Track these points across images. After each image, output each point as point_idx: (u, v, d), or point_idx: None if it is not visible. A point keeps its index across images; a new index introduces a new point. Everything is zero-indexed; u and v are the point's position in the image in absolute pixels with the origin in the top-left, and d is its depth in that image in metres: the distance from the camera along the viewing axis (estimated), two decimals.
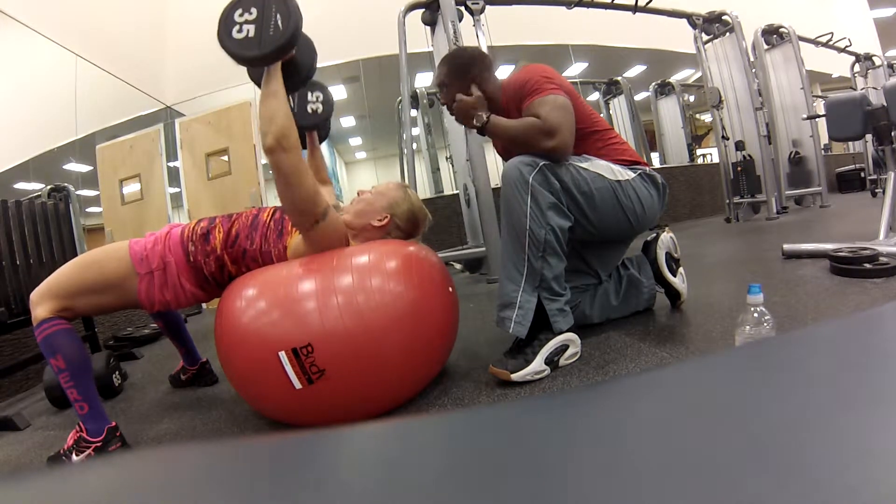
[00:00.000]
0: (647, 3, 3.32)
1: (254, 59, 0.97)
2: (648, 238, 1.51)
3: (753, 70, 3.83)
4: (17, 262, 1.69)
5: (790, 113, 4.32)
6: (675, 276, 1.47)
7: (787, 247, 1.99)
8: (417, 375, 1.12)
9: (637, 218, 1.30)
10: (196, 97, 4.33)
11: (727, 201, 3.96)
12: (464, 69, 1.33)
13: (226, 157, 3.70)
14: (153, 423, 1.30)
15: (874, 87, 5.18)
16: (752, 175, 3.71)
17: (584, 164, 1.24)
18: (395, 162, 4.72)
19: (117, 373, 1.70)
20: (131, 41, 4.12)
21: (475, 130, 1.28)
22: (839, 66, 6.31)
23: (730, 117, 3.81)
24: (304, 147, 1.49)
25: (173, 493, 0.15)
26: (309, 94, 1.50)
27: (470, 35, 2.61)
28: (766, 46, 4.25)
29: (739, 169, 3.77)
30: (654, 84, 5.79)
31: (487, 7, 2.75)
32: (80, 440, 1.08)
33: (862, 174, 5.68)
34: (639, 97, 5.71)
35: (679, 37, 4.25)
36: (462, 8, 2.67)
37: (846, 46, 5.27)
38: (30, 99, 3.26)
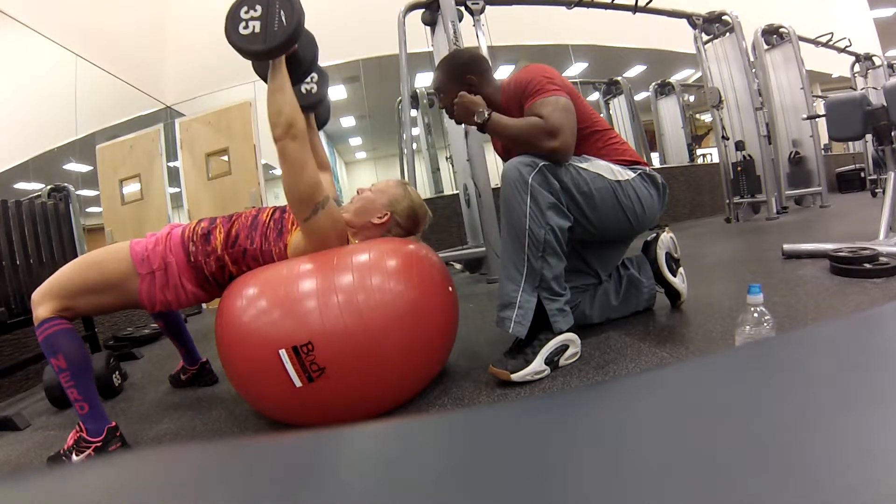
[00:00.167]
0: (647, 3, 3.32)
1: (259, 53, 1.03)
2: (648, 238, 1.51)
3: (753, 70, 3.83)
4: (17, 262, 1.69)
5: (790, 113, 4.32)
6: (675, 276, 1.47)
7: (787, 247, 1.99)
8: (417, 374, 1.12)
9: (637, 218, 1.30)
10: (196, 97, 4.33)
11: (727, 201, 3.96)
12: (460, 71, 1.33)
13: (226, 157, 3.70)
14: (153, 423, 1.30)
15: (874, 87, 5.18)
16: (752, 175, 3.70)
17: (583, 165, 1.24)
18: (395, 162, 4.72)
19: (117, 373, 1.70)
20: (131, 41, 4.11)
21: (476, 128, 1.27)
22: (839, 66, 6.31)
23: (730, 117, 3.81)
24: None
25: (173, 493, 0.15)
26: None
27: (470, 35, 2.61)
28: (766, 46, 4.25)
29: (739, 169, 3.77)
30: (654, 84, 5.79)
31: (487, 7, 2.75)
32: (80, 440, 1.08)
33: (862, 174, 5.68)
34: (639, 97, 5.70)
35: (679, 37, 4.25)
36: (462, 8, 2.67)
37: (846, 46, 5.27)
38: (30, 99, 3.26)
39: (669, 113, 5.77)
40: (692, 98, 5.97)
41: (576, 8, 3.19)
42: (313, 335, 0.93)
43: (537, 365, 1.13)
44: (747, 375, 0.20)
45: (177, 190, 3.90)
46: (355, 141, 6.24)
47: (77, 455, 1.07)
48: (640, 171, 1.32)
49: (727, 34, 3.70)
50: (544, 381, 1.12)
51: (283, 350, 0.92)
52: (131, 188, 3.82)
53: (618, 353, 1.20)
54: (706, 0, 3.84)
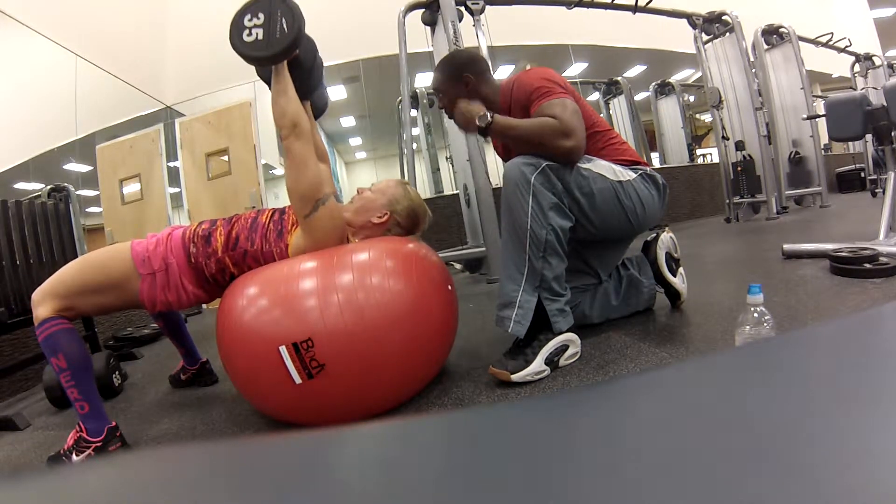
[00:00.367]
0: (647, 3, 3.32)
1: (263, 58, 1.09)
2: (648, 238, 1.51)
3: (753, 70, 3.82)
4: (17, 262, 1.69)
5: (790, 113, 4.32)
6: (675, 276, 1.47)
7: (787, 247, 1.99)
8: (417, 373, 1.12)
9: (638, 218, 1.30)
10: (196, 97, 4.33)
11: (727, 201, 3.96)
12: (459, 70, 1.33)
13: (226, 157, 3.70)
14: (153, 423, 1.30)
15: (874, 87, 5.17)
16: (752, 175, 3.70)
17: (585, 165, 1.24)
18: (395, 162, 4.72)
19: (117, 373, 1.70)
20: (131, 41, 4.11)
21: (479, 133, 1.24)
22: (839, 66, 6.31)
23: (730, 117, 3.81)
24: None
25: (173, 493, 0.15)
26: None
27: (470, 35, 2.61)
28: (766, 46, 4.25)
29: (739, 169, 3.77)
30: (654, 84, 5.79)
31: (487, 7, 2.75)
32: (80, 440, 1.08)
33: (862, 174, 5.68)
34: (639, 97, 5.70)
35: (679, 37, 4.25)
36: (462, 8, 2.67)
37: (846, 46, 5.27)
38: (30, 99, 3.26)
39: (669, 113, 5.77)
40: (692, 98, 5.97)
41: (576, 8, 3.19)
42: (313, 332, 0.93)
43: (537, 365, 1.13)
44: (747, 375, 0.20)
45: (177, 190, 3.90)
46: (355, 141, 6.24)
47: (77, 455, 1.07)
48: (641, 172, 1.32)
49: (727, 34, 3.70)
50: (544, 382, 1.12)
51: (283, 346, 0.93)
52: (131, 188, 3.82)
53: (618, 353, 1.20)
54: (706, 0, 3.84)
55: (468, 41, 2.54)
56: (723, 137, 3.77)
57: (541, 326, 1.19)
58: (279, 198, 4.33)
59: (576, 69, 5.37)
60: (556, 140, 1.16)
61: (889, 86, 1.91)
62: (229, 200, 3.63)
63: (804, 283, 1.56)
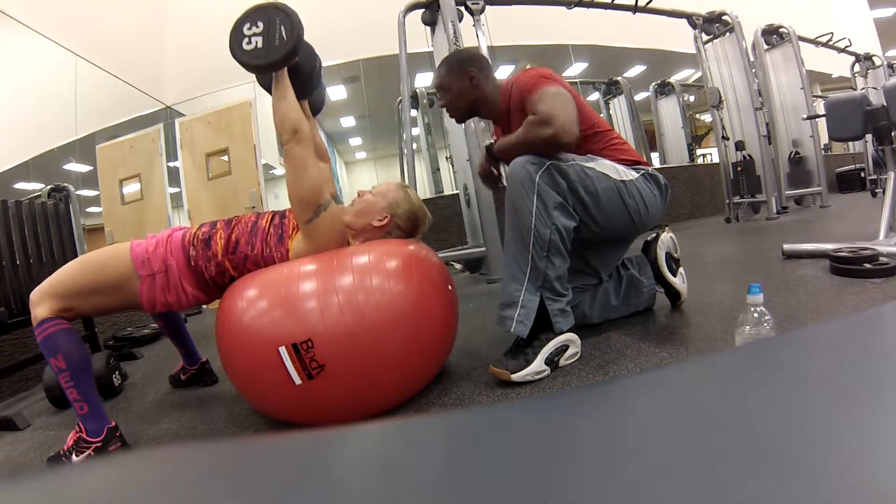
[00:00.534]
0: (647, 3, 3.32)
1: (263, 66, 1.09)
2: (648, 238, 1.51)
3: (753, 70, 3.82)
4: (17, 262, 1.69)
5: (790, 113, 4.32)
6: (675, 276, 1.47)
7: (787, 247, 1.99)
8: (417, 374, 1.12)
9: (641, 218, 1.30)
10: (196, 97, 4.33)
11: (727, 201, 3.96)
12: (463, 65, 1.33)
13: (226, 158, 3.70)
14: (153, 423, 1.30)
15: (874, 87, 5.17)
16: (752, 175, 3.70)
17: (589, 164, 1.24)
18: (395, 162, 4.72)
19: (117, 373, 1.70)
20: (131, 41, 4.11)
21: (490, 162, 1.34)
22: (839, 66, 6.31)
23: (730, 117, 3.81)
24: None
25: (173, 493, 0.15)
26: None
27: (470, 35, 2.61)
28: (766, 46, 4.25)
29: (739, 169, 3.77)
30: (654, 84, 5.79)
31: (487, 7, 2.75)
32: (80, 440, 1.08)
33: (862, 174, 5.68)
34: (639, 97, 5.71)
35: (679, 37, 4.25)
36: (462, 8, 2.67)
37: (846, 46, 5.27)
38: (30, 99, 3.26)
39: (669, 113, 5.77)
40: (692, 98, 5.97)
41: (576, 8, 3.19)
42: (313, 333, 0.93)
43: (537, 365, 1.13)
44: (747, 375, 0.20)
45: (177, 190, 3.90)
46: (355, 141, 6.24)
47: (77, 455, 1.07)
48: (643, 172, 1.32)
49: (727, 34, 3.70)
50: (544, 381, 1.12)
51: (283, 347, 0.93)
52: (131, 188, 3.82)
53: (618, 353, 1.20)
54: (706, 0, 3.84)
55: (468, 41, 2.54)
56: (723, 137, 3.77)
57: (541, 326, 1.19)
58: (279, 198, 4.33)
59: (576, 69, 5.37)
60: (537, 134, 1.14)
61: (889, 86, 1.91)
62: (229, 200, 3.62)
63: (804, 283, 1.56)
